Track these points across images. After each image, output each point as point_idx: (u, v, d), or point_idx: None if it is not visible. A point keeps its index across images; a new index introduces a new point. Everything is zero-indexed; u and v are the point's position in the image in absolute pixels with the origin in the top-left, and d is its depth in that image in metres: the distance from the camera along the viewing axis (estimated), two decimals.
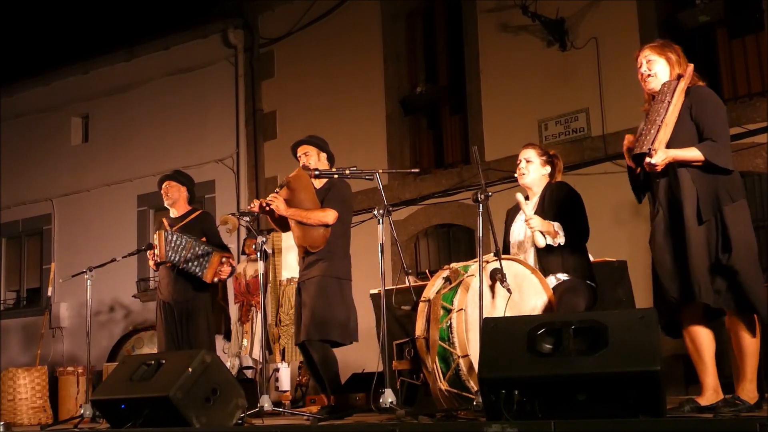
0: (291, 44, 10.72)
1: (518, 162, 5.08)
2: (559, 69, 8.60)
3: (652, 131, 3.98)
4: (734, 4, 7.91)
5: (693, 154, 3.93)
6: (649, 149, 3.92)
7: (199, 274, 6.45)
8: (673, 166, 4.00)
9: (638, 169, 4.12)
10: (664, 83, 4.11)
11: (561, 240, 4.71)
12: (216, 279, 6.54)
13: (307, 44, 10.56)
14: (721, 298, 3.87)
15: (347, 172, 5.11)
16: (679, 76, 4.09)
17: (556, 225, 4.73)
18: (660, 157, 3.92)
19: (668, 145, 3.97)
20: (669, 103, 4.01)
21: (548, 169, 5.04)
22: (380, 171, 5.05)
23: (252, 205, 5.68)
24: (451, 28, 9.81)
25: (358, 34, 10.18)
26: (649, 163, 3.94)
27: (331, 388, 5.57)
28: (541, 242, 4.72)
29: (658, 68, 4.15)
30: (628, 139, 4.19)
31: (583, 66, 8.44)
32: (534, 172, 5.01)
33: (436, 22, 10.06)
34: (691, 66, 4.13)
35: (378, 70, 9.99)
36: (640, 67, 4.20)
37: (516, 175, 5.10)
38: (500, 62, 9.05)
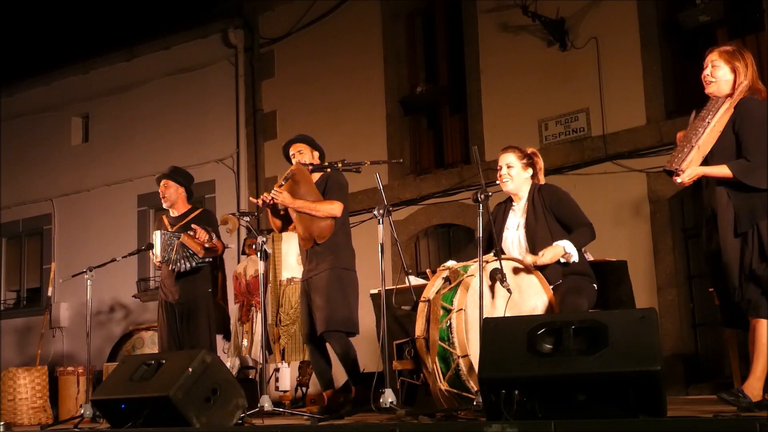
0: (291, 44, 10.72)
1: (498, 168, 4.95)
2: (559, 69, 8.59)
3: (685, 150, 4.06)
4: (734, 4, 7.89)
5: (723, 171, 4.03)
6: (677, 169, 4.03)
7: (193, 264, 6.43)
8: (712, 181, 4.11)
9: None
10: (712, 99, 4.15)
11: (575, 258, 4.64)
12: (206, 244, 6.43)
13: (307, 44, 10.55)
14: (752, 305, 3.98)
15: (339, 165, 5.28)
16: (731, 94, 4.11)
17: (566, 246, 4.63)
18: (688, 175, 4.04)
19: (710, 156, 4.06)
20: (708, 123, 4.06)
21: (530, 171, 4.96)
22: (368, 162, 5.26)
23: (257, 200, 5.65)
24: (451, 28, 9.80)
25: (358, 34, 10.17)
26: (677, 181, 4.09)
27: (353, 378, 5.61)
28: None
29: (720, 74, 4.17)
30: (678, 137, 4.23)
31: (583, 66, 8.43)
32: (517, 177, 4.91)
33: (436, 22, 10.05)
34: (745, 84, 4.12)
35: (378, 70, 9.98)
36: (705, 68, 4.21)
37: (497, 182, 4.97)
38: (500, 62, 9.04)
